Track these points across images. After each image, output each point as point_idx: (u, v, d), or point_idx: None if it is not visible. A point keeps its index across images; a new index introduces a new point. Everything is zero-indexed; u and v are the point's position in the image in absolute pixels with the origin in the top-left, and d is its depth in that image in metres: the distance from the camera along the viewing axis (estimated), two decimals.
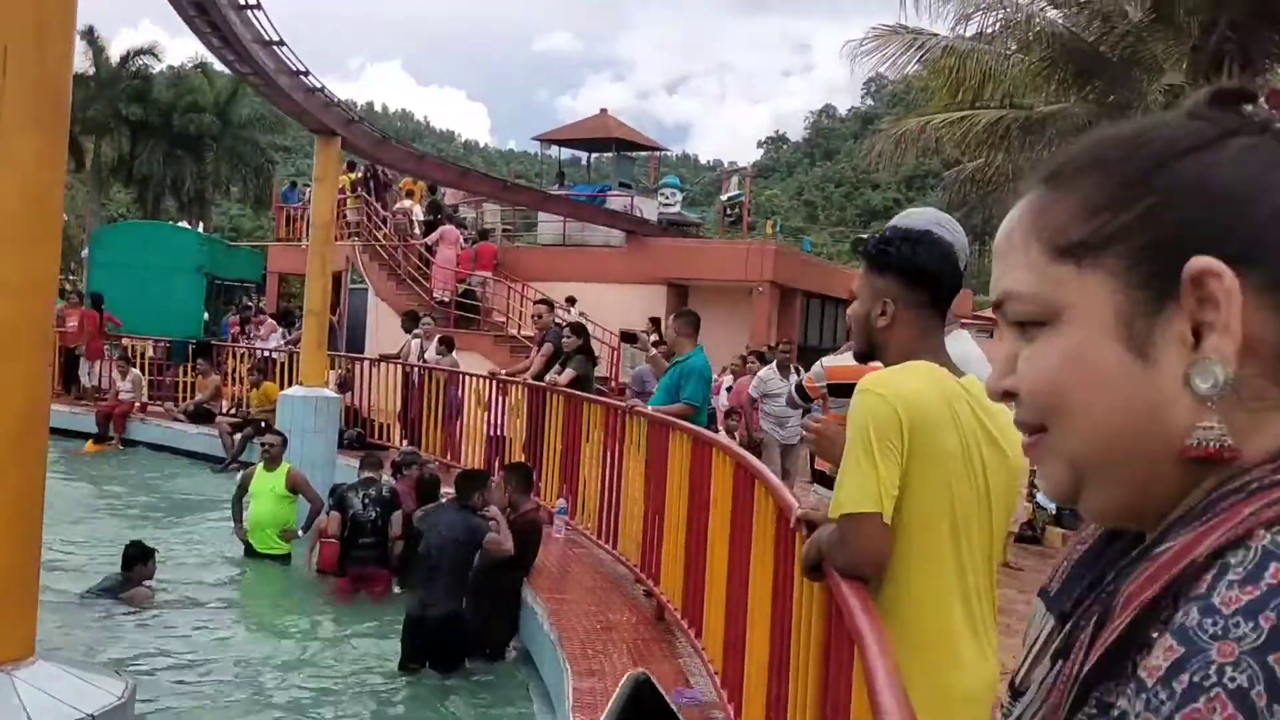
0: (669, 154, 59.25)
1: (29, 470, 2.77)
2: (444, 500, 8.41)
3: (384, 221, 22.30)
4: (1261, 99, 0.76)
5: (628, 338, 11.08)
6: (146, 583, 8.39)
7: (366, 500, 9.12)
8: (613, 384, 15.45)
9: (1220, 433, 0.70)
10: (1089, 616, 0.77)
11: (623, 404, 8.10)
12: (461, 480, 7.92)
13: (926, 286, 2.46)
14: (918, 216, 2.64)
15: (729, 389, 13.41)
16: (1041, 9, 13.27)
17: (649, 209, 23.55)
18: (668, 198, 24.72)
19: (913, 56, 14.47)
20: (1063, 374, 0.76)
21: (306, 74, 10.98)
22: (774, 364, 11.49)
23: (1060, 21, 13.41)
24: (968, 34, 14.29)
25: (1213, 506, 0.69)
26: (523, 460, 9.55)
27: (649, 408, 7.52)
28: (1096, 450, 0.75)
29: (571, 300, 19.02)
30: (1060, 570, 0.88)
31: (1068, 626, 0.80)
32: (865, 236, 2.59)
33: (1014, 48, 14.12)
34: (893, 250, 2.49)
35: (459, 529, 7.40)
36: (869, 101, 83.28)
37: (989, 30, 14.11)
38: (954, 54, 14.29)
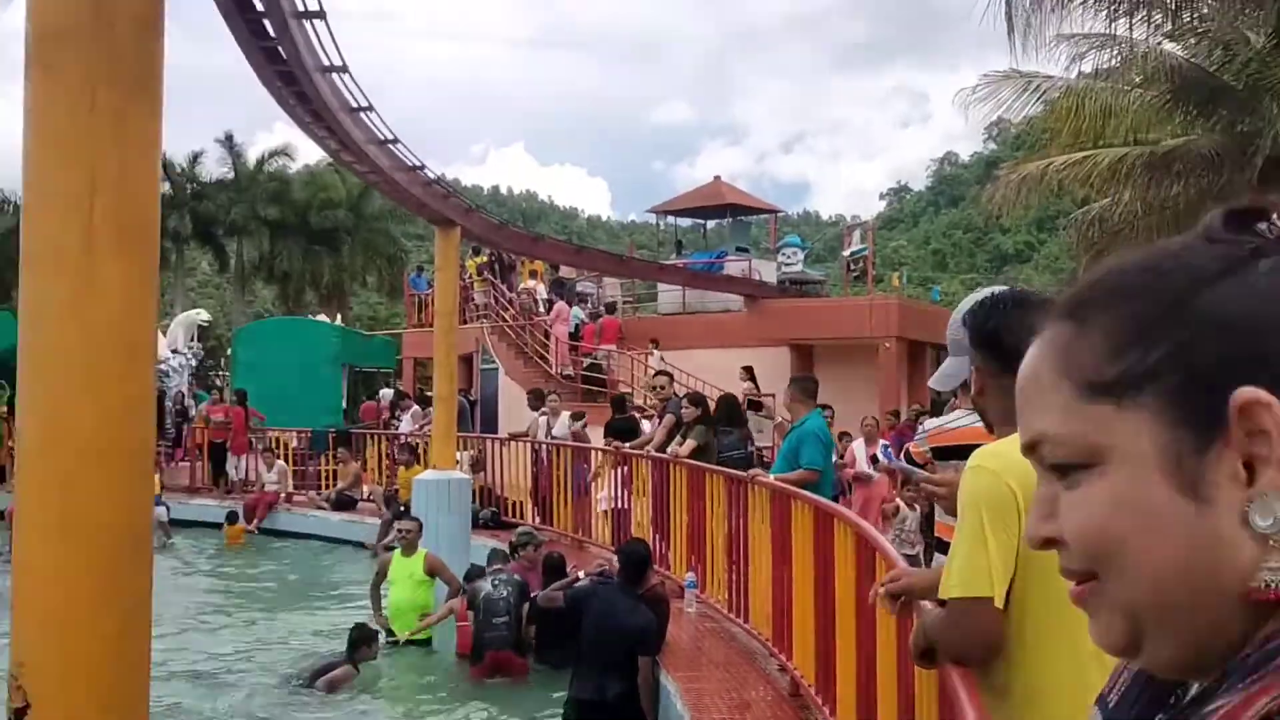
0: (789, 214, 59.10)
1: (136, 585, 2.79)
2: (607, 580, 8.16)
3: (510, 302, 22.77)
4: (1275, 215, 0.72)
5: (753, 405, 10.90)
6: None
7: (497, 581, 9.11)
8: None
9: None
10: None
11: (744, 474, 7.98)
12: (629, 562, 7.71)
13: (1002, 353, 2.35)
14: (998, 288, 2.56)
15: (874, 456, 11.59)
16: (1158, 43, 12.85)
17: (767, 271, 23.49)
18: (789, 257, 24.61)
19: (1029, 99, 14.18)
20: (1114, 519, 0.70)
21: (422, 168, 11.25)
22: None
23: (1179, 53, 12.95)
24: (1085, 72, 13.94)
25: (1264, 663, 0.64)
26: (645, 534, 9.49)
27: (770, 476, 7.39)
28: (1157, 597, 0.70)
29: (655, 342, 18.93)
30: (1119, 679, 0.82)
31: None
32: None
33: (1137, 81, 13.70)
34: (969, 319, 2.41)
35: (629, 623, 7.17)
36: (991, 146, 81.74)
37: (1105, 67, 13.73)
38: (1072, 94, 13.94)
